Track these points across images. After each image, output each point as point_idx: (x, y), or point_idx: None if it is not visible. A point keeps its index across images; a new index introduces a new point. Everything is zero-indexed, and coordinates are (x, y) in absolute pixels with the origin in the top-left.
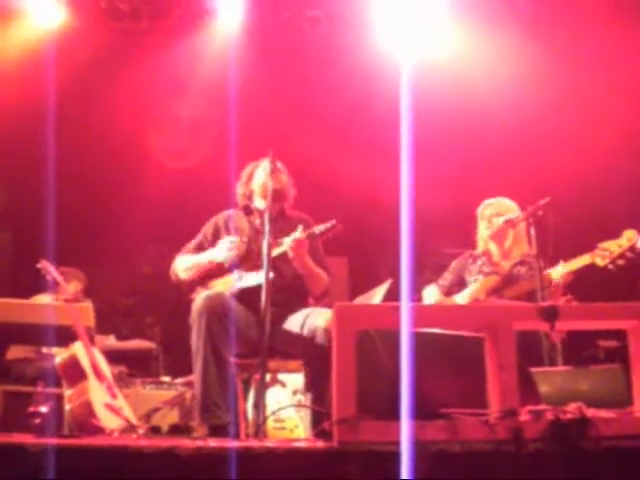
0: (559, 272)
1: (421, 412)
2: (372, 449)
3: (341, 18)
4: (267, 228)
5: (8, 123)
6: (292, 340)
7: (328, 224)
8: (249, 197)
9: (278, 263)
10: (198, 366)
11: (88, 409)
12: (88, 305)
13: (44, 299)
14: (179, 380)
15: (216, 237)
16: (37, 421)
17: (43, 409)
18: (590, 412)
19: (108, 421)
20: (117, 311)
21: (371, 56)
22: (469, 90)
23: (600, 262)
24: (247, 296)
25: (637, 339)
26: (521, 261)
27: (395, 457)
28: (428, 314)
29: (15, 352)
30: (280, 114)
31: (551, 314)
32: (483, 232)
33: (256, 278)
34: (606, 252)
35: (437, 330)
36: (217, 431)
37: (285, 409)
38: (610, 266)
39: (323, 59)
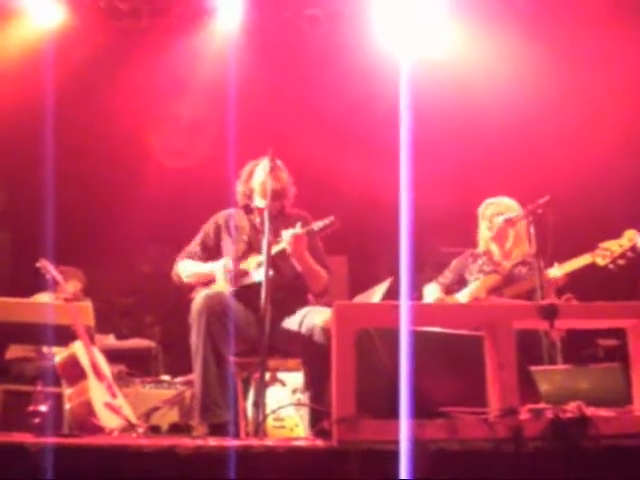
0: (553, 274)
1: (420, 411)
2: (371, 448)
3: (340, 17)
4: (267, 226)
5: (7, 123)
6: (291, 339)
7: (326, 220)
8: (249, 196)
9: (278, 261)
10: (198, 365)
11: (88, 408)
12: (88, 304)
13: (44, 298)
14: (179, 379)
15: (218, 235)
16: (37, 420)
17: (43, 408)
18: (590, 411)
19: (108, 420)
20: (116, 310)
21: (370, 55)
22: (469, 89)
23: (601, 262)
24: (246, 294)
25: (637, 338)
26: (522, 261)
27: (394, 456)
28: (427, 313)
29: (15, 351)
30: (279, 113)
31: (551, 313)
32: (484, 232)
33: (256, 276)
34: (607, 252)
35: (437, 329)
36: (217, 430)
37: (285, 408)
38: (611, 266)
39: (323, 58)
